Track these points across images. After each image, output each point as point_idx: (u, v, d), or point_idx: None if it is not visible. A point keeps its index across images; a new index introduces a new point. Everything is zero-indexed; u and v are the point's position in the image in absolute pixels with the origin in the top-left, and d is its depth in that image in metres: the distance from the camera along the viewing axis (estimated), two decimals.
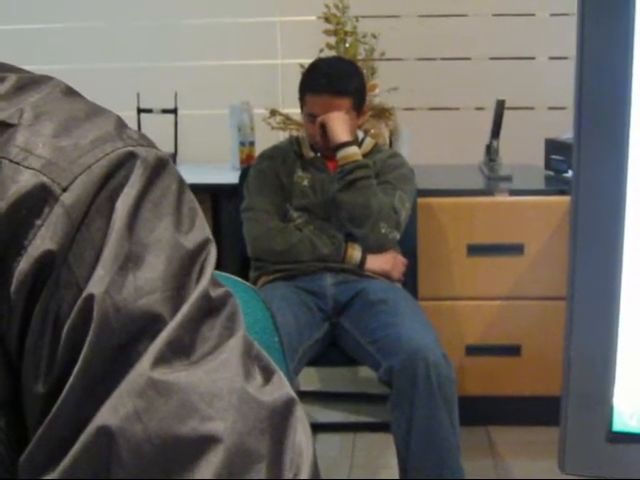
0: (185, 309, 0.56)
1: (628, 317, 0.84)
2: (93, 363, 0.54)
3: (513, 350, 3.02)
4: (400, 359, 2.31)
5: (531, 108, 3.69)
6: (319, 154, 2.76)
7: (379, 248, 2.67)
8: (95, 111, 0.62)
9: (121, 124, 0.62)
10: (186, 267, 0.58)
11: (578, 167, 0.74)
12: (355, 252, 2.66)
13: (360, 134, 2.86)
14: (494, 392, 3.07)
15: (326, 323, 2.62)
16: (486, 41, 3.68)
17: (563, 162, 3.12)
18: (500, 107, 3.17)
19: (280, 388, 0.59)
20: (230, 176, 3.15)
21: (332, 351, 2.64)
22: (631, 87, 0.77)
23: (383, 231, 2.60)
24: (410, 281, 2.86)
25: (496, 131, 3.19)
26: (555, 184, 3.10)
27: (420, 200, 2.90)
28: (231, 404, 0.55)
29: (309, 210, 2.71)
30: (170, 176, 0.61)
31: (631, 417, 0.88)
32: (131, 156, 0.59)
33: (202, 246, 0.60)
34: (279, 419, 0.57)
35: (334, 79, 2.65)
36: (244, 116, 3.42)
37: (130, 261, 0.56)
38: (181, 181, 0.63)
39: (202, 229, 0.62)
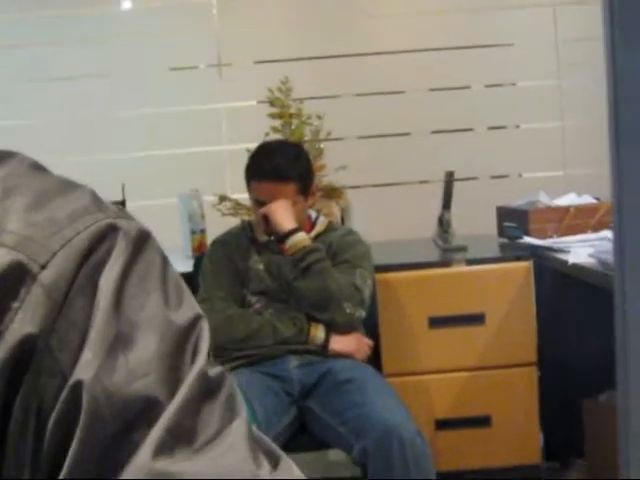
0: (183, 391, 0.51)
1: None
2: (85, 457, 0.49)
3: (483, 421, 2.96)
4: (373, 439, 2.25)
5: (474, 178, 3.73)
6: (272, 237, 2.72)
7: (347, 328, 2.63)
8: (69, 184, 0.58)
9: (97, 197, 0.58)
10: (180, 345, 0.54)
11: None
12: (318, 332, 2.60)
13: (313, 214, 2.83)
14: (467, 466, 3.00)
15: (294, 407, 2.55)
16: (425, 115, 3.74)
17: (516, 229, 3.13)
18: (450, 178, 3.18)
19: (290, 474, 0.54)
20: (183, 265, 3.09)
21: (301, 436, 2.57)
22: None
23: (348, 311, 2.56)
24: (374, 358, 2.82)
25: (447, 202, 3.20)
26: (511, 251, 3.10)
27: (377, 276, 2.87)
28: None
29: (267, 294, 2.67)
30: (153, 249, 0.57)
31: None
32: (113, 229, 0.55)
33: (194, 322, 0.56)
34: None
35: (277, 165, 2.60)
36: (194, 204, 3.37)
37: (120, 342, 0.51)
38: (164, 255, 0.58)
39: (191, 305, 0.57)
